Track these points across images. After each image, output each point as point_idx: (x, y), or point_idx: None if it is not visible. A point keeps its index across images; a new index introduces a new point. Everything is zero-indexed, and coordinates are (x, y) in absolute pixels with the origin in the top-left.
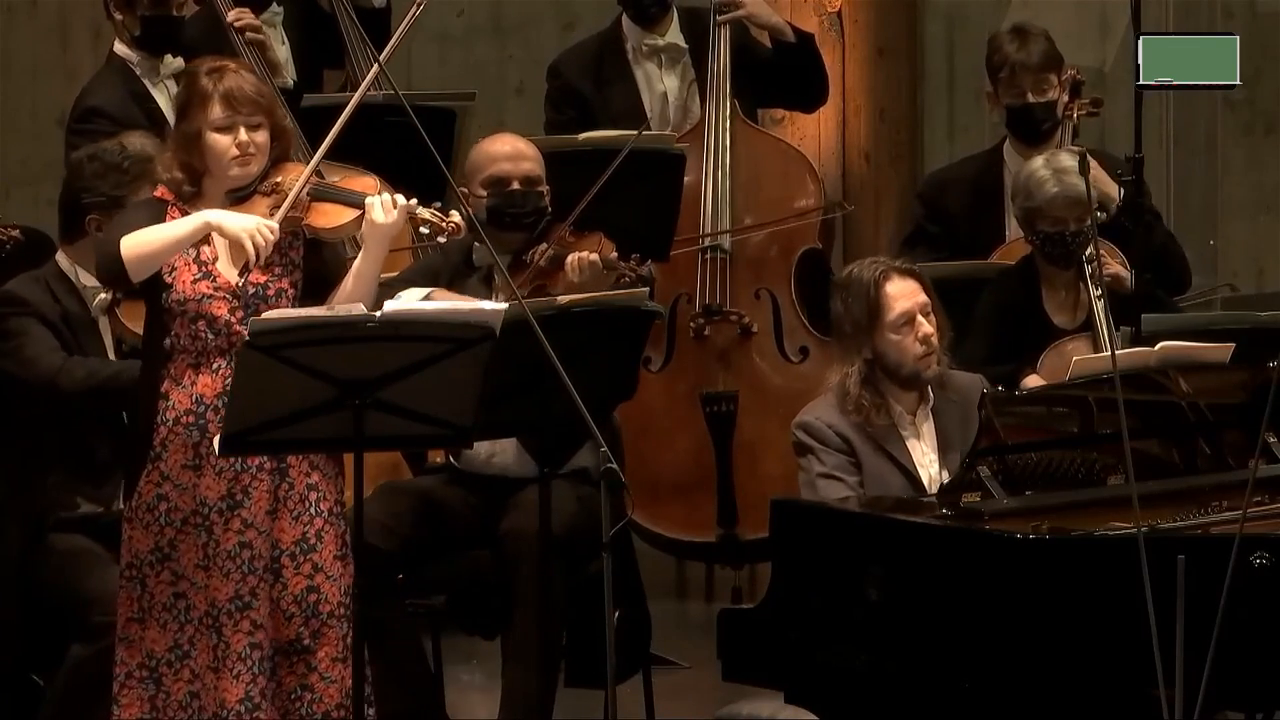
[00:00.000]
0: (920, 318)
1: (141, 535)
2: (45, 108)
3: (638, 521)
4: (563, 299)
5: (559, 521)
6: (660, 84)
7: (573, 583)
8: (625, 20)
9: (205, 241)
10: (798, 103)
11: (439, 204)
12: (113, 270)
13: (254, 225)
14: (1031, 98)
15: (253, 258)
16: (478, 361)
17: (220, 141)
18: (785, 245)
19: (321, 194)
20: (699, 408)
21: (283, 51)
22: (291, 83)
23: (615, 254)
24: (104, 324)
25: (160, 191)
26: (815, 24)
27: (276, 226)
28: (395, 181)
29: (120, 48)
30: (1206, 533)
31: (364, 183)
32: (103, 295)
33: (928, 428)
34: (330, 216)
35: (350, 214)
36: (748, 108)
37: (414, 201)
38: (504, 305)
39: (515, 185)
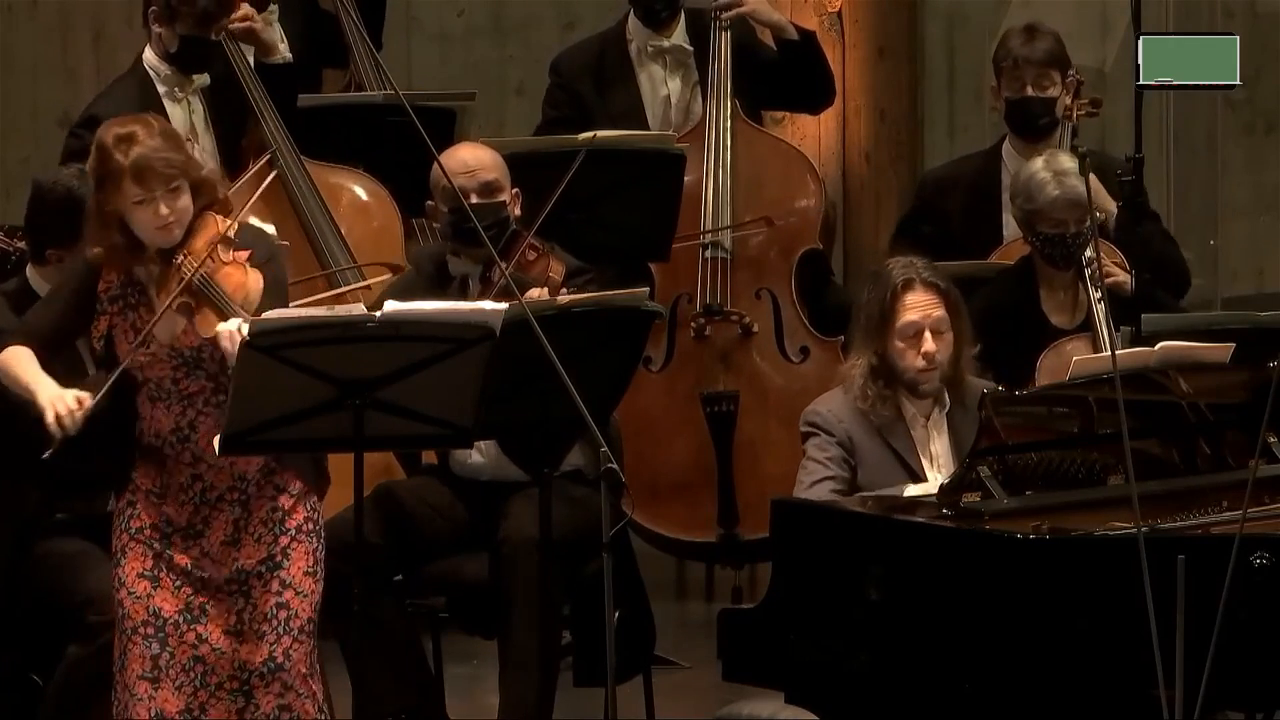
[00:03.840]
0: (928, 333)
1: (114, 539)
2: (45, 108)
3: (638, 521)
4: (563, 299)
5: (554, 525)
6: (664, 86)
7: (571, 584)
8: (631, 20)
9: (141, 305)
10: (803, 104)
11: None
12: None
13: (55, 396)
14: (1031, 91)
15: (54, 430)
16: (478, 361)
17: (141, 216)
18: (786, 245)
19: (205, 293)
20: (699, 408)
21: (280, 49)
22: (287, 57)
23: (561, 279)
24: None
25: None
26: (815, 24)
27: (86, 397)
28: (395, 182)
29: (150, 57)
30: (1206, 533)
31: (237, 281)
32: None
33: (941, 433)
34: (208, 322)
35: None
36: (749, 108)
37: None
38: (504, 305)
39: (473, 199)
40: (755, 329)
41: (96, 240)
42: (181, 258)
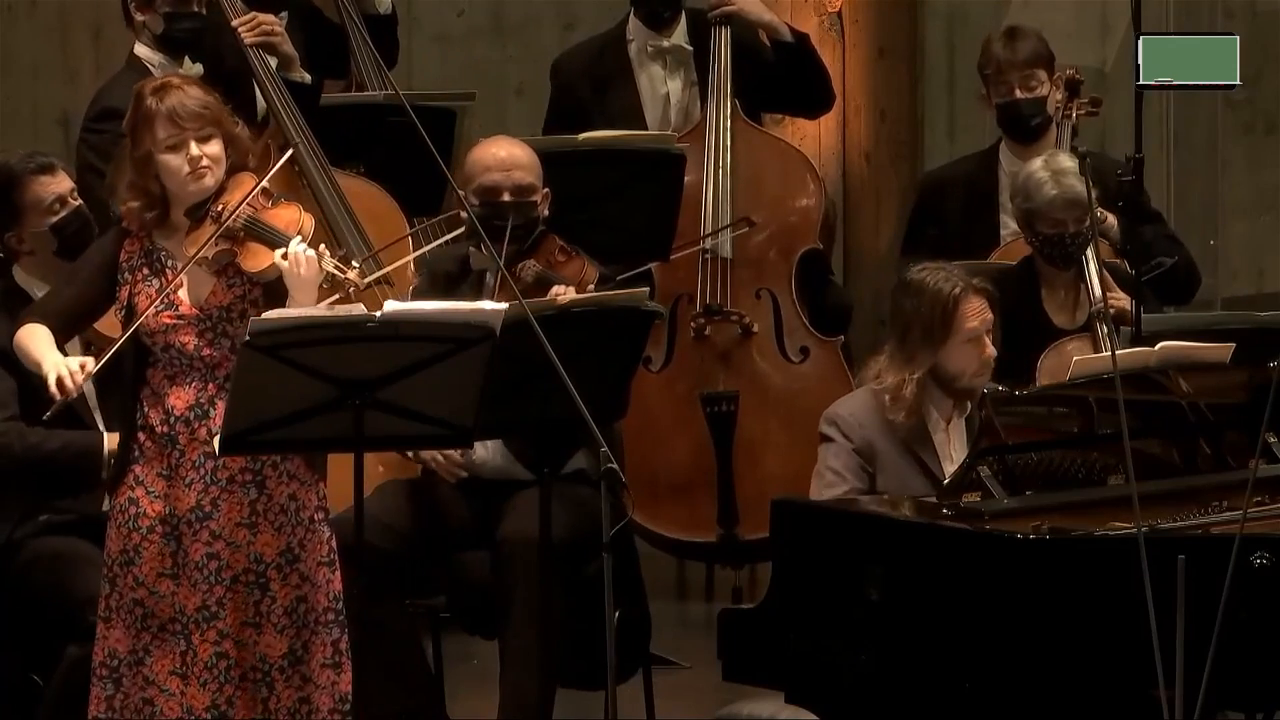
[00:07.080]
0: (985, 337)
1: (114, 536)
2: (45, 108)
3: (638, 521)
4: (562, 299)
5: (555, 525)
6: (664, 86)
7: (570, 584)
8: (632, 21)
9: (167, 269)
10: (802, 107)
11: (343, 252)
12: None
13: (59, 361)
14: (1019, 93)
15: (55, 394)
16: (478, 361)
17: (172, 161)
18: (785, 246)
19: (252, 231)
20: (699, 408)
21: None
22: (309, 77)
23: (594, 283)
24: None
25: (125, 217)
26: (815, 24)
27: (89, 361)
28: (396, 182)
29: (141, 49)
30: (1206, 533)
31: (289, 218)
32: None
33: (961, 437)
34: (257, 258)
35: (272, 257)
36: (749, 108)
37: (322, 249)
38: (504, 305)
39: (506, 196)
40: (755, 329)
41: (124, 200)
42: (220, 208)
